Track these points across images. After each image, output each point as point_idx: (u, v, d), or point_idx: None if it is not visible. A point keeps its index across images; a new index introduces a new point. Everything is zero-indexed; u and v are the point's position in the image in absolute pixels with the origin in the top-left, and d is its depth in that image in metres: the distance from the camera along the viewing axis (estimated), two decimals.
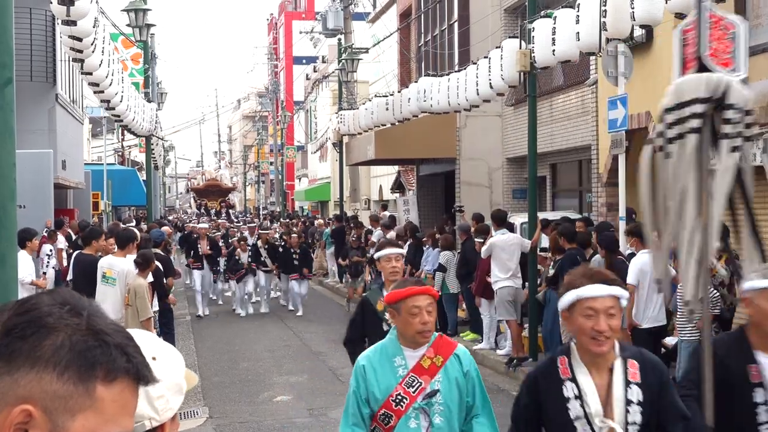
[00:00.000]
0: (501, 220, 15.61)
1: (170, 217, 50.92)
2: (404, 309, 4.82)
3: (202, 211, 49.47)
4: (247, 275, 22.99)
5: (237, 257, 23.30)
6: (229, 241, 26.29)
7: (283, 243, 24.08)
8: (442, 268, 17.38)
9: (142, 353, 1.52)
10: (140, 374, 1.50)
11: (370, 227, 25.76)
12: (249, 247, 23.74)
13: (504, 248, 15.06)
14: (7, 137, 3.33)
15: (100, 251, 12.55)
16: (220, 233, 29.30)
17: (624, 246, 12.91)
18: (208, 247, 23.67)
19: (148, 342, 2.16)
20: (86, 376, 1.44)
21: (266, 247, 23.46)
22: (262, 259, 23.18)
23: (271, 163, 67.46)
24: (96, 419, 1.44)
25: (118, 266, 11.46)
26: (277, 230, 29.83)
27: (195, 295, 23.43)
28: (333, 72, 39.89)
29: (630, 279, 11.41)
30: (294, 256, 23.10)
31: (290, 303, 23.73)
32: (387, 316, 5.39)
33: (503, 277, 14.97)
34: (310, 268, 24.45)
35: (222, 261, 24.46)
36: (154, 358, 2.27)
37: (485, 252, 15.23)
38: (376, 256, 7.66)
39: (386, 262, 7.55)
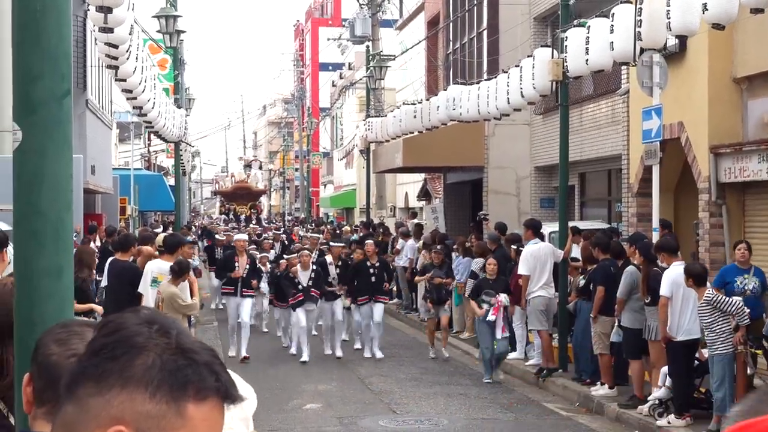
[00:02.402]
0: (536, 229, 15.46)
1: (197, 223, 50.84)
2: None
3: (231, 216, 47.97)
4: (306, 302, 16.91)
5: (293, 276, 17.09)
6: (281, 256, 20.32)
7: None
8: (474, 275, 17.31)
9: (228, 372, 1.51)
10: (228, 393, 1.48)
11: (395, 235, 25.69)
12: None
13: (537, 257, 14.96)
14: (65, 149, 3.33)
15: (134, 257, 12.65)
16: (264, 248, 21.99)
17: None
18: (247, 267, 17.35)
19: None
20: (178, 396, 1.42)
21: (339, 264, 17.74)
22: (330, 279, 17.44)
23: (297, 170, 67.60)
24: None
25: (168, 270, 11.63)
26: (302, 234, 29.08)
27: (228, 330, 17.98)
28: (360, 79, 39.95)
29: (663, 291, 11.33)
30: (372, 271, 17.38)
31: (357, 337, 18.25)
32: None
33: (536, 286, 14.87)
34: (390, 284, 19.20)
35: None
36: None
37: (525, 269, 14.98)
38: None
39: None
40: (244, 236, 19.73)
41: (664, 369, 11.62)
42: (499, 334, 14.57)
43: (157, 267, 11.90)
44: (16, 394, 2.67)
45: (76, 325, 2.32)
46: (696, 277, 10.72)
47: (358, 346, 17.93)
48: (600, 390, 13.13)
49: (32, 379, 2.24)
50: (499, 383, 14.94)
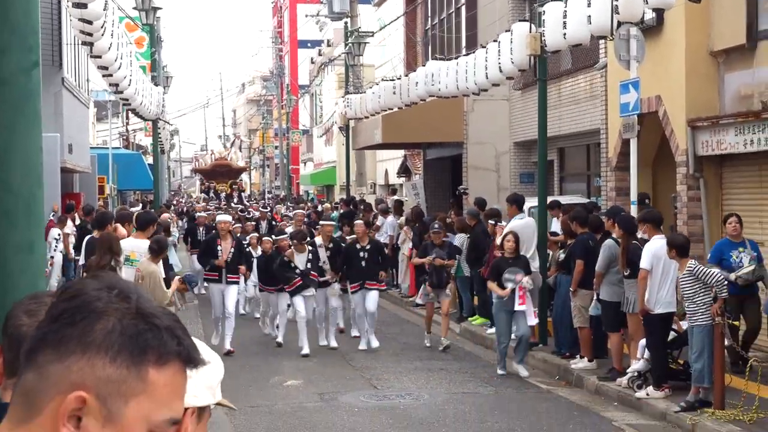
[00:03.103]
0: (519, 205, 15.42)
1: (175, 201, 50.58)
2: None
3: (211, 195, 47.11)
4: (304, 289, 15.33)
5: (289, 260, 15.37)
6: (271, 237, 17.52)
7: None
8: (457, 250, 17.31)
9: (190, 336, 1.50)
10: (190, 357, 1.47)
11: (375, 212, 25.68)
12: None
13: (522, 233, 14.88)
14: (34, 123, 3.30)
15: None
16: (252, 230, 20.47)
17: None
18: (231, 251, 15.54)
19: None
20: (138, 360, 1.41)
21: (330, 247, 15.82)
22: (321, 264, 15.57)
23: (276, 147, 67.45)
24: (149, 404, 1.41)
25: (141, 248, 11.52)
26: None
27: (212, 320, 16.08)
28: (339, 56, 39.81)
29: (644, 264, 11.37)
30: (362, 255, 15.67)
31: (353, 325, 16.71)
32: None
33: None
34: (385, 269, 16.82)
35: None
36: None
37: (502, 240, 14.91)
38: None
39: None
40: (227, 217, 17.11)
41: (643, 341, 11.68)
42: (531, 321, 13.37)
43: (131, 245, 11.69)
44: None
45: (47, 297, 2.31)
46: (679, 248, 10.77)
47: (355, 333, 16.43)
48: (579, 363, 13.19)
49: (2, 351, 2.22)
50: (480, 358, 14.97)
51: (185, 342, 1.46)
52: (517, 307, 13.19)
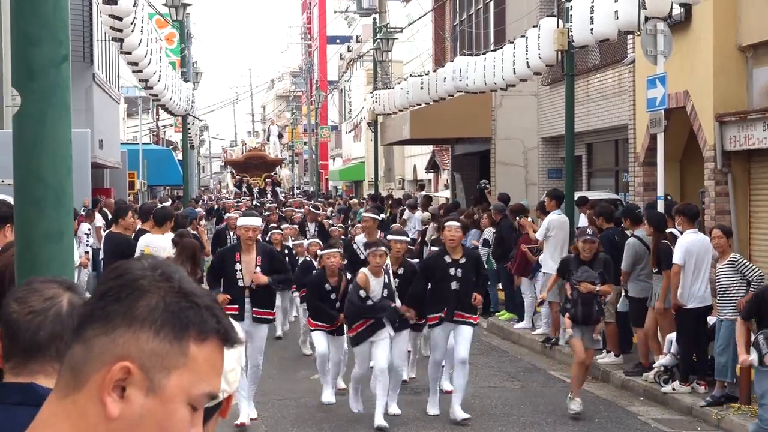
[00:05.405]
0: (560, 200, 15.05)
1: (205, 197, 50.72)
2: None
3: (243, 189, 44.58)
4: (378, 329, 10.37)
5: (365, 293, 10.20)
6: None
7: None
8: (486, 244, 17.28)
9: (227, 316, 1.57)
10: (228, 335, 1.55)
11: (404, 207, 25.70)
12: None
13: (561, 228, 14.82)
14: (64, 115, 3.39)
15: (129, 229, 12.60)
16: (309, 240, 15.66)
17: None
18: (258, 272, 10.30)
19: None
20: (180, 336, 1.49)
21: (400, 273, 10.81)
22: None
23: (305, 143, 67.62)
24: (190, 377, 1.49)
25: (156, 244, 11.52)
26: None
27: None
28: (367, 51, 39.88)
29: (676, 259, 11.32)
30: (452, 272, 10.40)
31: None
32: None
33: (556, 258, 14.69)
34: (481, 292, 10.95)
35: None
36: None
37: (542, 234, 14.77)
38: None
39: None
40: (253, 221, 10.77)
41: (669, 336, 11.66)
42: None
43: (147, 241, 11.52)
44: None
45: (38, 282, 2.32)
46: (728, 235, 10.77)
47: (411, 375, 12.44)
48: (606, 358, 13.20)
49: (1, 337, 2.28)
50: (506, 353, 14.99)
51: (223, 321, 1.54)
52: None
